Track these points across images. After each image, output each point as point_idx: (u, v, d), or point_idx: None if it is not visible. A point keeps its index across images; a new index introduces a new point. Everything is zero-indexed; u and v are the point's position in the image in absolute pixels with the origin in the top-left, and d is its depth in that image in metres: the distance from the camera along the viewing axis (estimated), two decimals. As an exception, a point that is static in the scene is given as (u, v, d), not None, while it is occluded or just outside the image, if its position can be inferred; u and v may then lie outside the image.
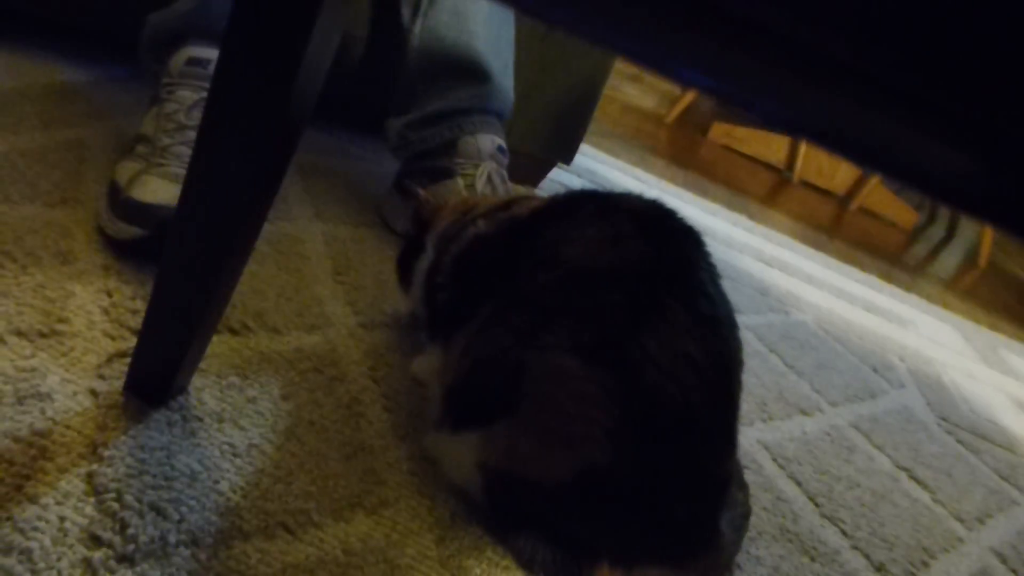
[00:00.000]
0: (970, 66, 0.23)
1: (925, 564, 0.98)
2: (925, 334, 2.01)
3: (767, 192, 2.98)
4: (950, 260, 3.47)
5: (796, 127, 0.28)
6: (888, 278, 2.43)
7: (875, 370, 1.57)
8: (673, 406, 0.65)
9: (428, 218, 0.94)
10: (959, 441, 1.40)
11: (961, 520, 1.13)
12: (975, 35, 0.22)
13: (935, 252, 3.51)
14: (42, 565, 0.53)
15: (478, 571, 0.69)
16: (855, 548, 0.95)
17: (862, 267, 2.42)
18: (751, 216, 2.40)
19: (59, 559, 0.54)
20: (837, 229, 2.92)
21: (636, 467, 0.66)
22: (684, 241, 0.73)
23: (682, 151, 2.93)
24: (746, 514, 0.84)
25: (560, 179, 1.83)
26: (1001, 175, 0.24)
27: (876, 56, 0.24)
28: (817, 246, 2.42)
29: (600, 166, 2.13)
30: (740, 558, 0.83)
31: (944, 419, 1.47)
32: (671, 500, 0.68)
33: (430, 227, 0.93)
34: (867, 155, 0.26)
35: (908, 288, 2.42)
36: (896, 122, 0.25)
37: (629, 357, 0.65)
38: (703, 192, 2.43)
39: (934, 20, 0.22)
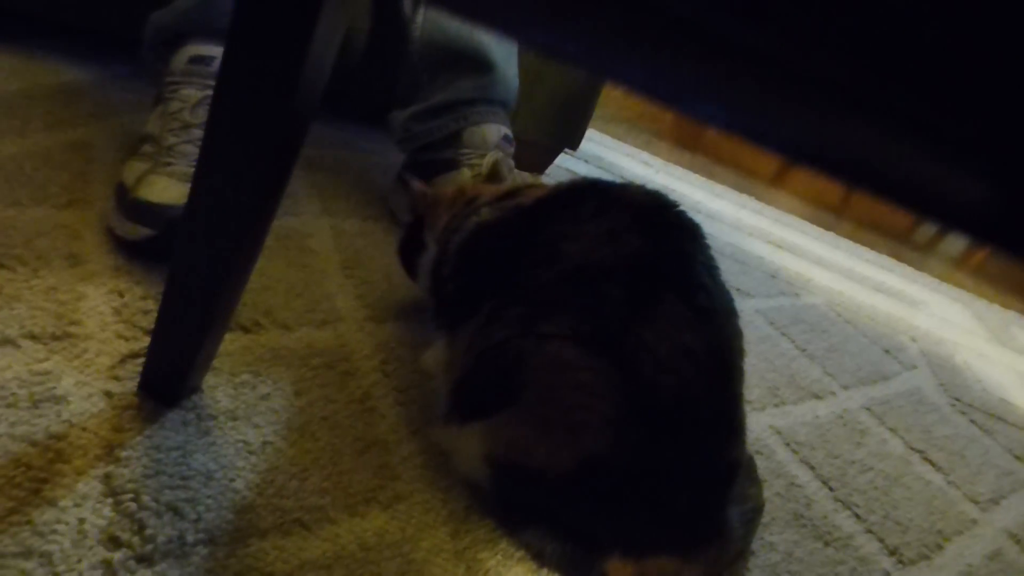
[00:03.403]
0: (986, 95, 0.22)
1: (939, 547, 0.98)
2: (936, 314, 2.00)
3: (774, 173, 2.97)
4: (959, 238, 3.45)
5: (801, 153, 0.27)
6: (898, 257, 2.42)
7: (887, 352, 1.56)
8: (671, 396, 0.65)
9: (424, 212, 0.94)
10: (972, 421, 1.40)
11: (975, 501, 1.12)
12: (988, 61, 0.22)
13: (944, 230, 3.49)
14: (62, 568, 0.53)
15: (492, 563, 0.69)
16: (869, 532, 0.95)
17: (872, 247, 2.41)
18: (759, 198, 2.39)
19: (79, 561, 0.54)
20: (845, 209, 2.91)
21: (637, 456, 0.66)
22: (682, 235, 0.73)
23: (688, 133, 2.92)
24: (758, 509, 0.84)
25: (567, 165, 1.83)
26: (1017, 202, 0.24)
27: (891, 85, 0.23)
28: (826, 227, 2.42)
29: (606, 151, 2.12)
30: (754, 544, 0.83)
31: (957, 400, 1.47)
32: (674, 490, 0.68)
33: (427, 222, 0.93)
34: (884, 184, 0.26)
35: (918, 267, 2.41)
36: (912, 151, 0.24)
37: (626, 349, 0.65)
38: (710, 175, 2.42)
39: (947, 48, 0.22)
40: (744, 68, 0.25)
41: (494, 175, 1.09)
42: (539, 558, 0.71)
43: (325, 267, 1.01)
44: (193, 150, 0.89)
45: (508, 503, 0.74)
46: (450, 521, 0.71)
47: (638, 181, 1.76)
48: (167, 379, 0.69)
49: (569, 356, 0.66)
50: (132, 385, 0.70)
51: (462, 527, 0.71)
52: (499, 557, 0.70)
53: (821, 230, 2.34)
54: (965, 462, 1.23)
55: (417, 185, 0.98)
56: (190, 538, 0.59)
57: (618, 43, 0.27)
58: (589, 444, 0.66)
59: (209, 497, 0.63)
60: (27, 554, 0.53)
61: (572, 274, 0.69)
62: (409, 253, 0.95)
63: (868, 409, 1.27)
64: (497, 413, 0.70)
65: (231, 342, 0.80)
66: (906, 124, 0.24)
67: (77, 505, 0.58)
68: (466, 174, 1.15)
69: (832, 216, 2.68)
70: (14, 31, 1.24)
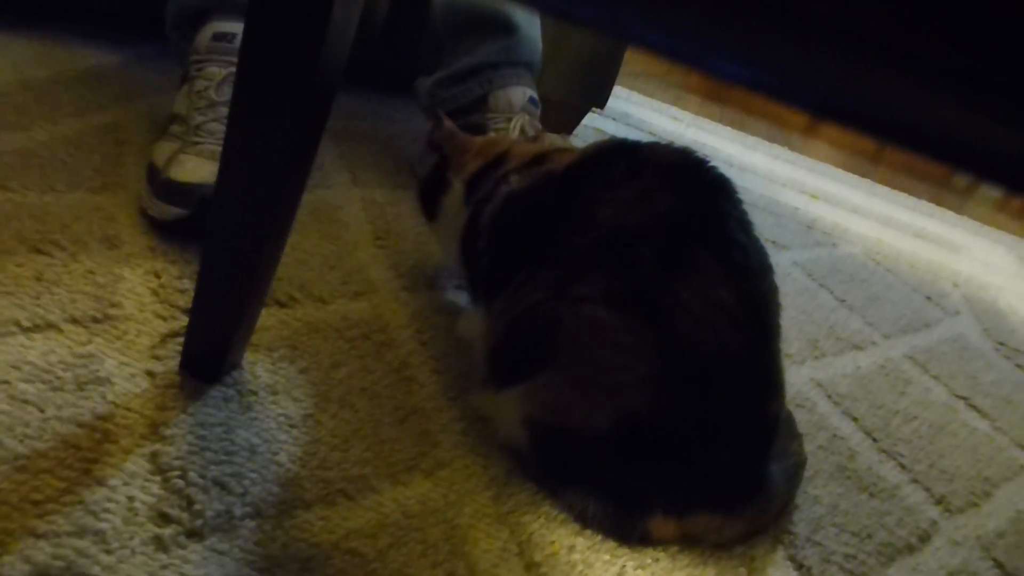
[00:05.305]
0: (1018, 41, 0.21)
1: (987, 494, 0.97)
2: (979, 258, 1.96)
3: (807, 123, 2.91)
4: (1001, 179, 3.37)
5: (830, 110, 0.26)
6: (938, 202, 2.37)
7: (928, 299, 1.54)
8: (708, 353, 0.65)
9: (451, 152, 0.94)
10: (1018, 366, 1.38)
11: (1023, 447, 1.11)
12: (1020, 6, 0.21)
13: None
14: (115, 545, 0.55)
15: (536, 526, 0.70)
16: (915, 482, 0.94)
17: (910, 193, 2.36)
18: (792, 148, 2.35)
19: (131, 538, 0.56)
20: (882, 156, 2.85)
21: (675, 414, 0.66)
22: (714, 191, 0.72)
23: (717, 86, 2.86)
24: (800, 464, 0.83)
25: (595, 124, 1.81)
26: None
27: (920, 34, 0.23)
28: (862, 174, 2.37)
29: (635, 108, 2.09)
30: (798, 498, 0.83)
31: (1002, 344, 1.45)
32: (713, 446, 0.68)
33: (452, 162, 0.92)
34: (915, 137, 0.25)
35: (959, 211, 2.36)
36: (943, 101, 0.24)
37: (661, 307, 0.65)
38: (741, 127, 2.38)
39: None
40: (766, 22, 0.24)
41: (523, 133, 1.08)
42: (582, 519, 0.71)
43: (357, 238, 1.01)
44: (221, 128, 0.89)
45: (548, 465, 0.74)
46: (492, 486, 0.72)
47: (668, 137, 1.74)
48: (207, 357, 0.70)
49: (603, 316, 0.66)
50: (173, 364, 0.71)
51: (504, 491, 0.72)
52: (542, 519, 0.70)
53: (857, 178, 2.30)
54: (1012, 407, 1.21)
55: (447, 123, 0.97)
56: (237, 512, 0.60)
57: (635, 4, 0.27)
58: (627, 403, 0.66)
59: (254, 471, 0.64)
60: (80, 533, 0.55)
61: (606, 238, 0.69)
62: (432, 191, 0.94)
63: (911, 358, 1.26)
64: (533, 376, 0.71)
65: (268, 317, 0.81)
66: (936, 74, 0.23)
67: (126, 484, 0.59)
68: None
69: (868, 163, 2.63)
70: (39, 18, 1.25)
